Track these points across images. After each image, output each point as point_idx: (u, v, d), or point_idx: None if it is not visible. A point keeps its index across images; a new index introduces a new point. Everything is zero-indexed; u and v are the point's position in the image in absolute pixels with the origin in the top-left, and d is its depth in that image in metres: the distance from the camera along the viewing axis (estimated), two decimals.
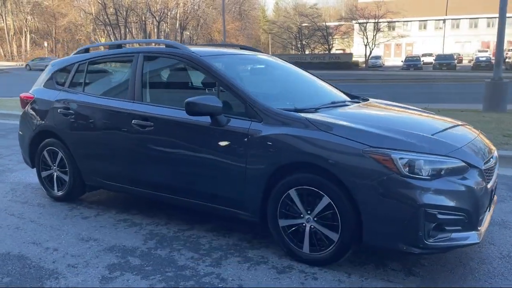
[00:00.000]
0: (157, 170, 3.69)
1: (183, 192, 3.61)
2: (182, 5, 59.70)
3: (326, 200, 2.86)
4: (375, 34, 42.24)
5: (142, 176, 3.81)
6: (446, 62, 41.31)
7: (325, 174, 2.86)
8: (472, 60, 46.13)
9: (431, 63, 45.56)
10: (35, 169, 4.74)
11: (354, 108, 3.64)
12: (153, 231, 3.69)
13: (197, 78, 4.03)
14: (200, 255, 3.22)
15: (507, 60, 43.95)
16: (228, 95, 3.39)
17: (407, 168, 2.64)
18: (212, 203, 3.46)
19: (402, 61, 45.36)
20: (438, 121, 3.53)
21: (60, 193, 4.49)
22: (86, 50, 4.57)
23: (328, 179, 2.84)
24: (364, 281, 2.81)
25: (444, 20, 62.21)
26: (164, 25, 60.97)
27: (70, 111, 4.22)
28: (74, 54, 4.61)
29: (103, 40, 59.91)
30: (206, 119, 3.32)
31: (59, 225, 3.86)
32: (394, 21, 48.08)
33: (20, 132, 4.84)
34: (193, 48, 3.80)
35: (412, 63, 42.12)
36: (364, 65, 44.09)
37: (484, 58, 41.61)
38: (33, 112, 4.59)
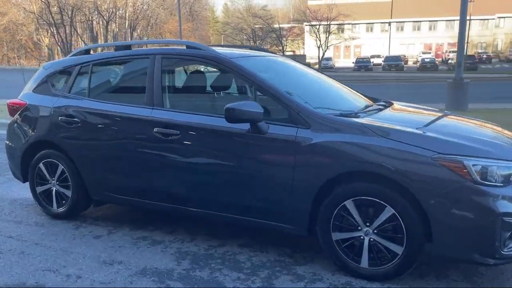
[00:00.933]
0: (183, 182, 3.38)
1: (213, 205, 3.33)
2: (131, 4, 57.93)
3: (389, 211, 2.70)
4: (328, 36, 43.05)
5: (163, 189, 3.48)
6: (394, 63, 42.83)
7: (388, 184, 2.70)
8: (418, 61, 48.25)
9: (380, 64, 47.13)
10: (20, 183, 4.28)
11: (392, 112, 3.52)
12: (181, 249, 3.38)
13: (223, 81, 3.75)
14: (246, 275, 2.96)
15: (449, 61, 46.49)
16: (265, 99, 3.16)
17: (480, 175, 2.54)
18: (249, 216, 3.22)
19: (353, 63, 46.53)
20: (479, 125, 3.46)
21: (60, 210, 4.04)
22: (87, 52, 4.15)
23: (391, 189, 2.69)
24: None
25: (389, 23, 64.64)
26: (113, 25, 58.89)
27: (75, 119, 3.80)
28: (72, 56, 4.17)
29: (46, 41, 56.99)
30: (241, 126, 3.07)
31: (71, 247, 3.46)
32: (344, 24, 49.18)
33: (8, 143, 4.32)
34: (217, 49, 3.53)
35: (363, 64, 43.35)
36: (317, 66, 44.79)
37: (428, 60, 43.67)
38: (25, 121, 4.11)
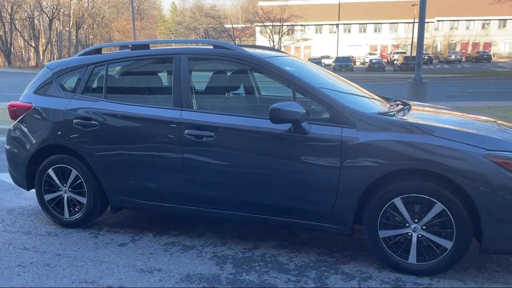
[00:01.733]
0: (219, 184, 3.31)
1: (250, 207, 3.29)
2: (76, 2, 55.60)
3: (439, 207, 2.79)
4: (281, 37, 43.61)
5: (195, 192, 3.39)
6: (344, 64, 44.15)
7: (437, 180, 2.79)
8: (366, 62, 50.02)
9: (330, 65, 48.37)
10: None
11: (419, 111, 3.62)
12: (217, 253, 3.30)
13: (251, 82, 3.71)
14: (296, 276, 2.95)
15: (395, 62, 48.59)
16: (298, 99, 3.16)
17: None
18: (289, 217, 3.20)
19: None
20: (489, 120, 3.64)
21: (73, 218, 3.82)
22: (98, 51, 3.95)
23: (441, 185, 2.78)
24: (482, 286, 2.80)
25: (337, 25, 66.50)
26: (57, 23, 56.24)
27: (92, 121, 3.60)
28: (81, 55, 3.95)
29: None
30: (281, 126, 3.07)
31: (99, 257, 3.28)
32: (295, 25, 49.97)
33: (9, 148, 4.02)
34: (246, 50, 3.48)
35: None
36: None
37: (376, 60, 45.42)
38: (32, 124, 3.85)
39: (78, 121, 3.65)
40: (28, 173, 3.93)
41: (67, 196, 3.83)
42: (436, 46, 67.32)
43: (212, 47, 3.53)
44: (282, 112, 2.95)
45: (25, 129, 3.89)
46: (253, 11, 55.08)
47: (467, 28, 65.13)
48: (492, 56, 55.71)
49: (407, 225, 2.90)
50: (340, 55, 54.53)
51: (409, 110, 3.55)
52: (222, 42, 3.60)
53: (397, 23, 63.31)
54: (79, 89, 3.78)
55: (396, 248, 2.96)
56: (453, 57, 53.56)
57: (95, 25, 61.17)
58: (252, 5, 73.89)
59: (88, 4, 58.20)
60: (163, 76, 3.64)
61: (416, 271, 2.92)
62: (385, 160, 2.86)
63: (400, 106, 3.67)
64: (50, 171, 3.82)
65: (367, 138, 2.91)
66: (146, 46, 3.79)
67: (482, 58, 52.49)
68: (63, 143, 3.72)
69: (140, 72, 3.81)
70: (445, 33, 66.05)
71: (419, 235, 2.88)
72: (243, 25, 50.84)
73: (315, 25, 65.97)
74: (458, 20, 64.37)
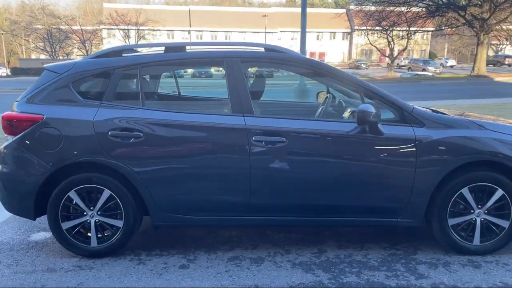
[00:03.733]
0: (289, 190, 3.22)
1: (321, 211, 3.28)
2: None
3: (500, 192, 3.22)
4: (137, 41, 42.10)
5: (264, 200, 3.23)
6: (204, 70, 44.51)
7: (497, 169, 3.21)
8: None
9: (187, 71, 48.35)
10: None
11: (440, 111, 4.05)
12: (294, 262, 3.21)
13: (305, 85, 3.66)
14: (389, 271, 3.06)
15: None
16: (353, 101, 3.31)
17: None
18: (361, 216, 3.31)
19: None
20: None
21: (103, 246, 3.27)
22: (119, 52, 3.44)
23: (501, 173, 3.21)
24: None
25: (189, 32, 67.02)
26: None
27: (135, 132, 3.15)
28: (98, 57, 3.39)
29: None
30: (353, 129, 3.17)
31: (173, 283, 2.90)
32: (145, 30, 48.77)
33: (6, 171, 3.23)
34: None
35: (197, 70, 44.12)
36: None
37: None
38: (45, 140, 3.17)
39: (115, 132, 3.15)
40: (38, 198, 3.23)
41: (95, 221, 3.26)
42: None
43: (263, 50, 3.43)
44: (366, 114, 3.05)
45: (33, 147, 3.18)
46: (99, 13, 51.95)
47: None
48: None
49: (472, 211, 3.27)
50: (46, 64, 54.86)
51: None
52: (273, 45, 3.51)
53: (246, 32, 66.67)
54: (107, 95, 3.25)
55: (463, 233, 3.30)
56: None
57: None
58: (90, 6, 69.90)
59: None
60: (214, 80, 3.38)
61: (480, 251, 3.30)
62: (455, 155, 3.18)
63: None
64: (72, 194, 3.20)
65: (439, 136, 3.19)
66: (182, 48, 3.46)
67: None
68: (94, 159, 3.17)
69: (182, 76, 3.45)
70: (286, 44, 71.94)
71: (482, 219, 3.27)
72: (92, 27, 47.42)
73: (167, 30, 65.37)
74: (298, 32, 70.83)
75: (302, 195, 3.23)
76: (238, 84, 3.26)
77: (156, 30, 45.90)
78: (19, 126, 3.21)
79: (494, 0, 27.99)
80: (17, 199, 3.27)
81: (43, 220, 3.78)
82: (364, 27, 37.07)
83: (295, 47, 72.27)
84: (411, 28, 34.62)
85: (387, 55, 38.92)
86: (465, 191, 3.23)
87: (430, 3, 30.70)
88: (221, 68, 3.40)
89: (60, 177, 3.20)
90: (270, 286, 2.87)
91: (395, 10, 32.06)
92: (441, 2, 30.51)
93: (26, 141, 3.19)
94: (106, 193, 3.21)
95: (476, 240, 3.29)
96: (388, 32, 36.05)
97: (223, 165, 3.19)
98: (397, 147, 3.19)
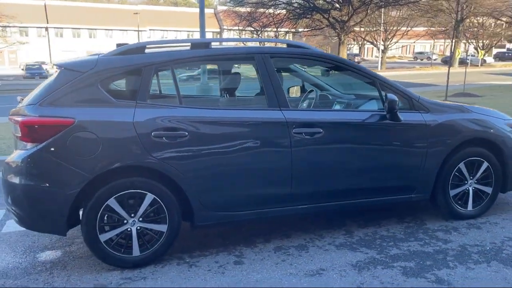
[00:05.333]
0: (327, 177, 3.42)
1: (351, 194, 3.55)
2: None
3: (485, 164, 3.85)
4: None
5: (305, 189, 3.37)
6: (38, 72, 40.11)
7: (485, 145, 3.84)
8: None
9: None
10: None
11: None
12: (336, 244, 3.41)
13: (330, 79, 3.85)
14: (423, 240, 3.46)
15: None
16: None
17: None
18: (384, 196, 3.65)
19: (22, 69, 41.95)
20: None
21: (146, 253, 3.07)
22: (141, 49, 3.20)
23: (488, 149, 3.84)
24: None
25: (46, 28, 61.21)
26: None
27: (180, 132, 3.01)
28: (120, 54, 3.12)
29: None
30: (375, 117, 3.52)
31: (239, 282, 2.88)
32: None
33: (35, 184, 2.81)
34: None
35: (36, 71, 39.93)
36: None
37: None
38: (80, 146, 2.84)
39: (159, 133, 2.98)
40: (71, 212, 2.89)
41: (137, 228, 3.04)
42: None
43: (286, 46, 3.55)
44: (394, 103, 3.40)
45: (65, 154, 2.83)
46: None
47: (176, 37, 71.42)
48: None
49: (466, 182, 3.86)
50: (53, 60, 50.20)
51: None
52: (295, 41, 3.64)
53: (112, 30, 63.35)
54: (141, 95, 3.04)
55: (460, 201, 3.87)
56: None
57: None
58: None
59: None
60: (246, 76, 3.38)
61: (473, 215, 3.91)
62: (458, 134, 3.72)
63: None
64: (111, 202, 2.94)
65: (443, 119, 3.70)
66: (207, 45, 3.38)
67: None
68: (138, 162, 2.95)
69: (215, 72, 3.37)
70: None
71: (473, 188, 3.89)
72: None
73: (20, 27, 58.75)
74: (168, 30, 69.62)
75: (339, 181, 3.45)
76: (271, 79, 3.33)
77: (12, 26, 40.86)
78: (45, 132, 2.82)
79: (352, 5, 31.29)
80: (46, 214, 2.88)
81: (36, 235, 3.39)
82: (236, 28, 38.13)
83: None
84: (279, 29, 36.66)
85: None
86: (461, 165, 3.79)
87: (296, 5, 32.98)
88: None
89: (98, 185, 2.91)
90: (335, 267, 3.04)
91: (265, 12, 33.68)
92: (307, 6, 33.01)
93: (55, 148, 2.82)
94: (149, 197, 3.01)
95: (470, 206, 3.89)
96: (259, 32, 37.67)
97: (266, 158, 3.24)
98: (413, 131, 3.61)
